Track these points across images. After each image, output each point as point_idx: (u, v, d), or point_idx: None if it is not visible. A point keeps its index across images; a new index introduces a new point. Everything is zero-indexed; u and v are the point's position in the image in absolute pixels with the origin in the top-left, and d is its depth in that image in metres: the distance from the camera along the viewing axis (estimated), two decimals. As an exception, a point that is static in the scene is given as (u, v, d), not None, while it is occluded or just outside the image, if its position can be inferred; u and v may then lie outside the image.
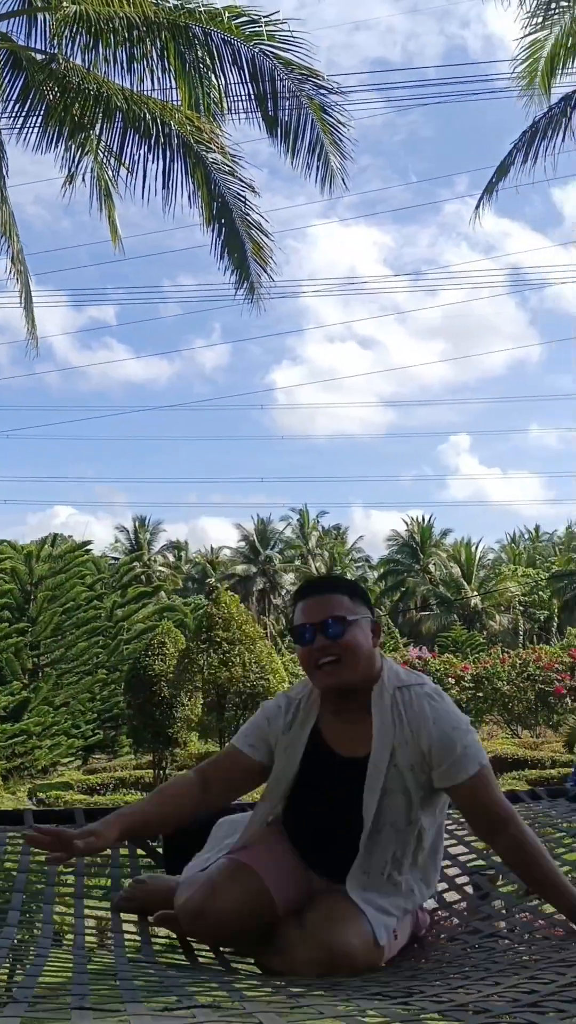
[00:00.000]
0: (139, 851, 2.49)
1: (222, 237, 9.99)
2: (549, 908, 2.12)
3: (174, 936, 2.06)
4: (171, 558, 51.20)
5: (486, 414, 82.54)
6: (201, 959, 1.92)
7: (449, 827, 2.73)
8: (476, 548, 46.41)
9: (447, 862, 2.48)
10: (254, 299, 10.29)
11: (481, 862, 2.59)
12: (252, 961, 2.02)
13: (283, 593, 49.34)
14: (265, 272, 10.17)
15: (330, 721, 2.10)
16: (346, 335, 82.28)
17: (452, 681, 16.23)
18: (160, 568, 48.13)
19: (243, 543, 50.10)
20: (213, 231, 9.96)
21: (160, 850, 2.44)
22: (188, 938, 2.03)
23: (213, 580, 44.41)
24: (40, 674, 19.32)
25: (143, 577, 36.67)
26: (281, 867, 2.04)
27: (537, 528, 53.71)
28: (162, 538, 51.06)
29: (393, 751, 1.99)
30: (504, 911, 2.35)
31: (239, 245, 9.99)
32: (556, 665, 16.69)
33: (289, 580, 49.33)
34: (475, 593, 43.23)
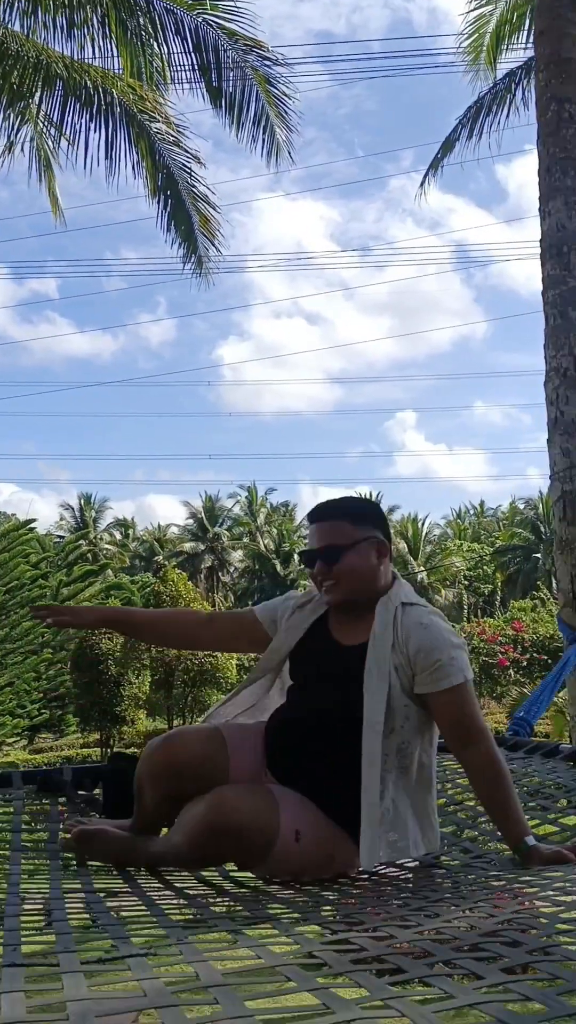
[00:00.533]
0: (79, 802, 2.50)
1: (168, 209, 9.82)
2: (495, 883, 2.11)
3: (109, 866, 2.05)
4: (118, 536, 50.75)
5: (432, 391, 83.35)
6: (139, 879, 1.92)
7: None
8: (423, 524, 46.96)
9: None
10: (202, 273, 10.17)
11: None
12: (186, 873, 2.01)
13: (231, 570, 49.31)
14: (213, 245, 10.05)
15: (337, 616, 2.23)
16: (293, 311, 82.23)
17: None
18: (107, 546, 47.68)
19: (191, 520, 49.89)
20: (159, 203, 9.78)
21: (100, 798, 2.48)
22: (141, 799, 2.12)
23: (161, 558, 44.24)
24: (-16, 654, 19.08)
25: (89, 555, 36.36)
26: (245, 748, 2.14)
27: (482, 503, 54.57)
28: (108, 516, 50.62)
29: (388, 648, 2.06)
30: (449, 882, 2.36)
31: (186, 217, 9.84)
32: (499, 638, 17.02)
33: (237, 557, 49.30)
34: (421, 568, 43.71)
